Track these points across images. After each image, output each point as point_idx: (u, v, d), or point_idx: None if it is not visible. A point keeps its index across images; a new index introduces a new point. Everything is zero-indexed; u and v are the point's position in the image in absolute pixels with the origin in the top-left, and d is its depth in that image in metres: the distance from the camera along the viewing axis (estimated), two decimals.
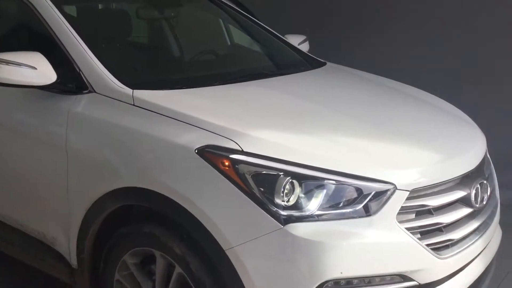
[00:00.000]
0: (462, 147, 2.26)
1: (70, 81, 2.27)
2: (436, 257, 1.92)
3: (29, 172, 2.39)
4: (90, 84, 2.24)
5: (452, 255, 1.98)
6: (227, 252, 1.84)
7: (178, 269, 2.01)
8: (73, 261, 2.30)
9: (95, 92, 2.22)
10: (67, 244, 2.30)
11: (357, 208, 1.86)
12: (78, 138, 2.20)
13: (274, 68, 3.04)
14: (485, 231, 2.19)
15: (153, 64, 2.71)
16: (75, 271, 2.32)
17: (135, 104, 2.12)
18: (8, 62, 2.16)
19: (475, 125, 2.57)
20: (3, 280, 2.95)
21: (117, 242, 2.18)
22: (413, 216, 1.93)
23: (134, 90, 2.16)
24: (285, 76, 2.74)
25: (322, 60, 3.13)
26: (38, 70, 2.19)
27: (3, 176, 2.51)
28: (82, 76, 2.25)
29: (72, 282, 2.37)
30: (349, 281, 1.81)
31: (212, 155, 1.89)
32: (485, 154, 2.40)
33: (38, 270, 2.55)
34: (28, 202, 2.45)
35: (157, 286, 2.12)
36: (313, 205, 1.84)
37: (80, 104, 2.23)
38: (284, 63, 3.09)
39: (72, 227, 2.24)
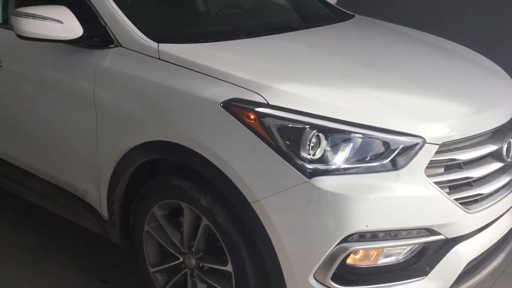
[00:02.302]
0: (494, 100, 2.19)
1: (96, 35, 2.26)
2: (465, 211, 1.90)
3: (59, 126, 2.43)
4: (116, 38, 2.23)
5: (481, 210, 1.95)
6: (253, 205, 1.86)
7: (205, 221, 2.05)
8: (104, 213, 2.36)
9: (121, 46, 2.22)
10: (98, 196, 2.36)
11: (384, 162, 1.84)
12: (105, 92, 2.22)
13: (300, 21, 2.97)
14: None
15: (178, 17, 2.68)
16: (106, 222, 2.38)
17: (161, 58, 2.11)
18: (34, 16, 2.17)
19: (509, 77, 2.48)
20: (39, 231, 3.07)
21: (146, 195, 2.22)
22: (442, 170, 1.90)
23: (160, 44, 2.15)
24: (312, 29, 2.68)
25: (351, 13, 3.04)
26: (64, 24, 2.20)
27: (34, 130, 2.56)
28: (108, 30, 2.24)
29: (104, 233, 2.44)
30: (374, 234, 1.81)
31: (237, 108, 1.89)
32: None
33: (72, 222, 2.64)
34: (59, 155, 2.50)
35: (185, 237, 2.16)
36: (339, 159, 1.82)
37: (107, 58, 2.23)
38: (311, 16, 3.02)
39: (102, 180, 2.29)
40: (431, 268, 1.88)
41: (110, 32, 2.24)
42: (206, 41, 2.28)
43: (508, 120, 2.13)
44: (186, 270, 2.21)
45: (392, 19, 3.10)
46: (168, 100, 2.05)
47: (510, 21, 4.06)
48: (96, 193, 2.35)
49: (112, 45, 2.23)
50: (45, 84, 2.45)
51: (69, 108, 2.35)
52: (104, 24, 2.26)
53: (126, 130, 2.16)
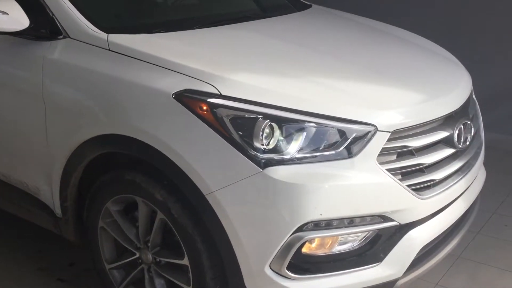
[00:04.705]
0: (446, 87, 2.22)
1: (44, 26, 2.19)
2: (417, 197, 1.92)
3: (7, 122, 2.35)
4: (64, 29, 2.16)
5: (433, 195, 1.98)
6: (207, 197, 1.83)
7: (160, 215, 2.01)
8: (57, 210, 2.30)
9: (69, 37, 2.15)
10: (50, 193, 2.29)
11: (338, 150, 1.84)
12: (54, 85, 2.15)
13: (257, 10, 2.96)
14: (468, 172, 2.19)
15: (130, 7, 2.62)
16: (59, 220, 2.32)
17: (111, 49, 2.06)
18: None
19: (460, 64, 2.53)
20: None
21: (100, 190, 2.17)
22: (394, 157, 1.92)
23: (109, 35, 2.09)
24: (268, 19, 2.67)
25: (308, 3, 3.04)
26: (10, 15, 2.12)
27: None
28: (56, 20, 2.17)
29: (58, 231, 2.38)
30: (329, 222, 1.82)
31: (190, 99, 1.86)
32: (470, 94, 2.37)
33: (26, 220, 2.56)
34: (8, 152, 2.42)
35: (141, 232, 2.13)
36: (293, 148, 1.82)
37: (55, 50, 2.16)
38: (268, 6, 3.01)
39: (54, 176, 2.23)
40: (385, 254, 1.90)
41: (58, 23, 2.17)
42: (158, 32, 2.24)
43: (459, 106, 2.16)
44: (143, 265, 2.18)
45: (350, 9, 3.12)
46: (119, 92, 2.00)
47: (465, 8, 4.14)
48: (49, 190, 2.29)
49: (60, 37, 2.16)
50: None
51: (17, 102, 2.28)
52: (51, 14, 2.18)
53: (77, 124, 2.11)
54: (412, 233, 1.93)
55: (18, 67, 2.26)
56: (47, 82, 2.15)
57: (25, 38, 2.21)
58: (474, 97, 2.46)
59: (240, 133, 1.81)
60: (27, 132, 2.28)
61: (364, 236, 1.89)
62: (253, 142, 1.80)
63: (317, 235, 1.82)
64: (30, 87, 2.20)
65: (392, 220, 1.88)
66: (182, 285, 2.06)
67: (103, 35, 2.09)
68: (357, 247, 1.89)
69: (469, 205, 2.26)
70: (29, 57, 2.21)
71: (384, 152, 1.88)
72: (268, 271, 1.83)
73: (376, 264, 1.89)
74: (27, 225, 2.67)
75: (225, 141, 1.81)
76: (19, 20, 2.13)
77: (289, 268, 1.83)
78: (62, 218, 2.30)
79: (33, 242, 2.87)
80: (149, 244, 2.11)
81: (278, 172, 1.78)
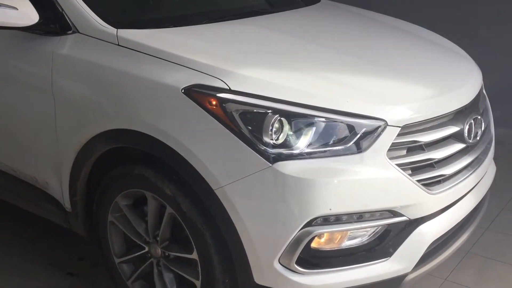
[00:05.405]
0: (456, 81, 2.21)
1: (53, 21, 2.19)
2: (427, 192, 1.91)
3: (17, 116, 2.36)
4: (73, 24, 2.16)
5: (443, 191, 1.97)
6: (217, 192, 1.83)
7: (169, 210, 2.02)
8: (67, 204, 2.31)
9: (78, 32, 2.15)
10: (59, 187, 2.30)
11: (347, 145, 1.83)
12: (63, 80, 2.16)
13: (266, 5, 2.94)
14: (478, 167, 2.18)
15: (139, 2, 2.62)
16: (69, 214, 2.33)
17: (120, 44, 2.06)
18: None
19: (471, 59, 2.51)
20: (1, 226, 2.99)
21: (109, 184, 2.18)
22: (404, 152, 1.91)
23: (119, 30, 2.09)
24: (276, 13, 2.66)
25: None
26: (19, 10, 2.12)
27: None
28: (65, 16, 2.17)
29: (67, 225, 2.39)
30: (338, 217, 1.81)
31: (199, 94, 1.86)
32: (481, 89, 2.35)
33: (35, 215, 2.58)
34: (18, 146, 2.43)
35: (150, 226, 2.14)
36: (302, 143, 1.81)
37: (64, 45, 2.17)
38: (276, 1, 2.99)
39: (63, 170, 2.24)
40: (395, 249, 1.89)
41: (67, 18, 2.17)
42: (167, 27, 2.24)
43: (469, 101, 2.15)
44: (152, 259, 2.19)
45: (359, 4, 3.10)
46: (129, 87, 2.00)
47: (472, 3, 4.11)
48: (58, 185, 2.30)
49: (70, 32, 2.17)
50: (0, 73, 2.37)
51: (27, 97, 2.28)
52: (61, 10, 2.18)
53: (86, 119, 2.11)
54: (422, 228, 1.93)
55: (28, 62, 2.27)
56: (57, 77, 2.16)
57: (34, 33, 2.21)
58: (484, 91, 2.45)
59: (250, 128, 1.80)
60: (36, 127, 2.29)
61: (374, 231, 1.88)
62: (262, 137, 1.79)
63: (326, 230, 1.82)
64: (39, 82, 2.21)
65: (401, 215, 1.87)
66: (191, 279, 2.07)
67: (113, 30, 2.10)
68: (366, 242, 1.88)
69: (478, 201, 2.25)
70: (38, 52, 2.22)
71: (394, 147, 1.87)
72: (277, 265, 1.83)
73: (385, 259, 1.89)
74: (36, 220, 2.68)
75: (234, 136, 1.81)
76: (29, 15, 2.13)
77: (298, 262, 1.84)
78: (72, 212, 2.31)
79: (42, 237, 2.89)
80: (158, 239, 2.12)
81: (287, 167, 1.78)
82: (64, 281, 2.58)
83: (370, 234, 1.88)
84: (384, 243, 1.89)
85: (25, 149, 2.41)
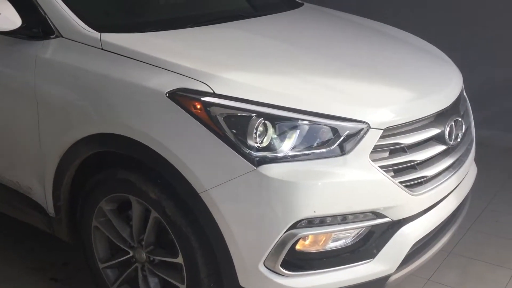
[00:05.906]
0: (437, 84, 2.24)
1: (36, 25, 2.18)
2: (409, 193, 1.94)
3: (0, 121, 2.33)
4: (56, 28, 2.16)
5: (425, 192, 2.00)
6: (201, 195, 1.84)
7: (154, 214, 2.02)
8: (50, 210, 2.30)
9: (62, 36, 2.15)
10: (42, 192, 2.28)
11: (331, 147, 1.85)
12: (47, 85, 2.14)
13: (250, 9, 2.96)
14: (460, 168, 2.21)
15: (123, 6, 2.61)
16: (52, 219, 2.31)
17: (104, 48, 2.06)
18: None
19: (451, 62, 2.55)
20: None
21: (93, 189, 2.17)
22: (386, 154, 1.93)
23: (102, 34, 2.09)
24: (260, 17, 2.67)
25: (300, 1, 3.05)
26: (1, 14, 2.11)
27: None
28: (48, 20, 2.16)
29: (51, 230, 2.37)
30: (322, 219, 1.83)
31: (183, 98, 1.86)
32: (461, 91, 2.39)
33: (18, 220, 2.55)
34: (0, 151, 2.41)
35: (135, 231, 2.13)
36: (286, 146, 1.83)
37: (48, 49, 2.16)
38: (260, 5, 3.01)
39: (47, 175, 2.22)
40: (378, 250, 1.91)
41: (50, 22, 2.16)
42: (151, 31, 2.24)
43: (450, 104, 2.18)
44: (136, 264, 2.18)
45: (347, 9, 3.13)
46: (113, 91, 2.00)
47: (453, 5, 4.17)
48: (41, 189, 2.28)
49: (53, 36, 2.16)
50: None
51: (9, 102, 2.27)
52: (43, 14, 2.18)
53: (70, 124, 2.10)
54: (405, 229, 1.95)
55: (11, 67, 2.25)
56: (40, 81, 2.15)
57: (17, 38, 2.19)
58: (464, 94, 2.49)
59: (234, 131, 1.81)
60: (19, 132, 2.27)
61: (357, 233, 1.90)
62: (246, 140, 1.80)
63: (310, 232, 1.83)
64: (22, 86, 2.20)
65: (384, 216, 1.90)
66: (176, 283, 2.07)
67: (96, 34, 2.09)
68: (350, 244, 1.90)
69: (460, 201, 2.28)
70: (21, 57, 2.21)
71: (377, 149, 1.89)
72: (262, 268, 1.84)
73: (369, 260, 1.91)
74: (19, 225, 2.66)
75: (219, 140, 1.81)
76: (11, 19, 2.12)
77: (283, 265, 1.85)
78: (55, 217, 2.30)
79: (25, 241, 2.86)
80: (143, 243, 2.11)
81: (271, 170, 1.79)
82: (47, 287, 2.56)
83: (354, 236, 1.90)
84: (367, 245, 1.91)
85: (7, 154, 2.39)
